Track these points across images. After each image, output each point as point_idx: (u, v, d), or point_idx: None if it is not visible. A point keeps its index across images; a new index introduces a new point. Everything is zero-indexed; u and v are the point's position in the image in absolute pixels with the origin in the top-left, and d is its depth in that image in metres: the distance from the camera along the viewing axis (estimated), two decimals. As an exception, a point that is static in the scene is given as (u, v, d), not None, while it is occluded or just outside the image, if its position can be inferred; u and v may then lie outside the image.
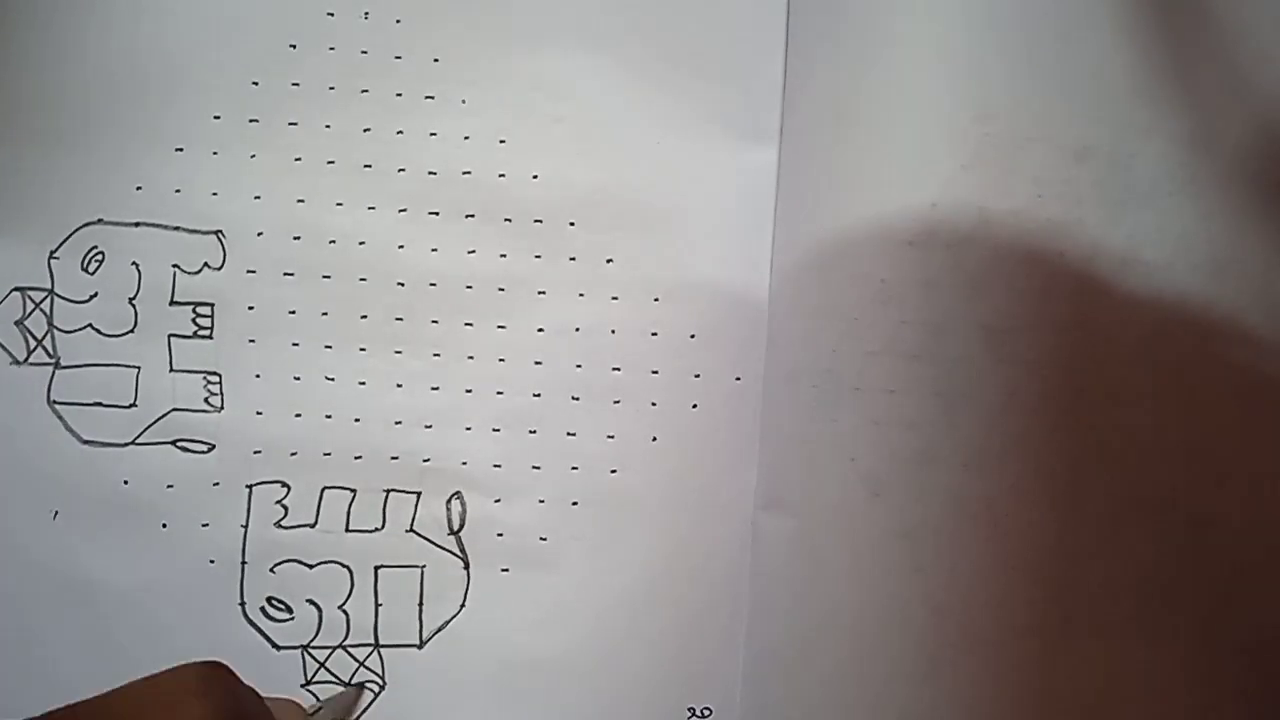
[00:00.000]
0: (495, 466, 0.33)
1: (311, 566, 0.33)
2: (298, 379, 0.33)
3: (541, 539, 0.33)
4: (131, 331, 0.33)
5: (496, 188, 0.34)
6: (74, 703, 0.24)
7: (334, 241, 0.33)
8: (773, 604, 0.32)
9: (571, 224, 0.34)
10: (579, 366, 0.33)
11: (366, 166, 0.33)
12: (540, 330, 0.33)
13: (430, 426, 0.33)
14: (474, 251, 0.34)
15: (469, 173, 0.34)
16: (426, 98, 0.33)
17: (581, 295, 0.34)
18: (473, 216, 0.34)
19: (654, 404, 0.33)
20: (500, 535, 0.33)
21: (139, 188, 0.33)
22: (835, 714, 0.31)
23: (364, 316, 0.33)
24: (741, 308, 0.34)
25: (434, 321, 0.33)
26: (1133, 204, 0.30)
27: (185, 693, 0.25)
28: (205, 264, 0.33)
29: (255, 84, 0.33)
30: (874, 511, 0.30)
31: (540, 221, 0.34)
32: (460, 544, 0.33)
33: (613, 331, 0.33)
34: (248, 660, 0.26)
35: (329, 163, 0.33)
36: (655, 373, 0.33)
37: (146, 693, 0.25)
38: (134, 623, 0.32)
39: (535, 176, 0.34)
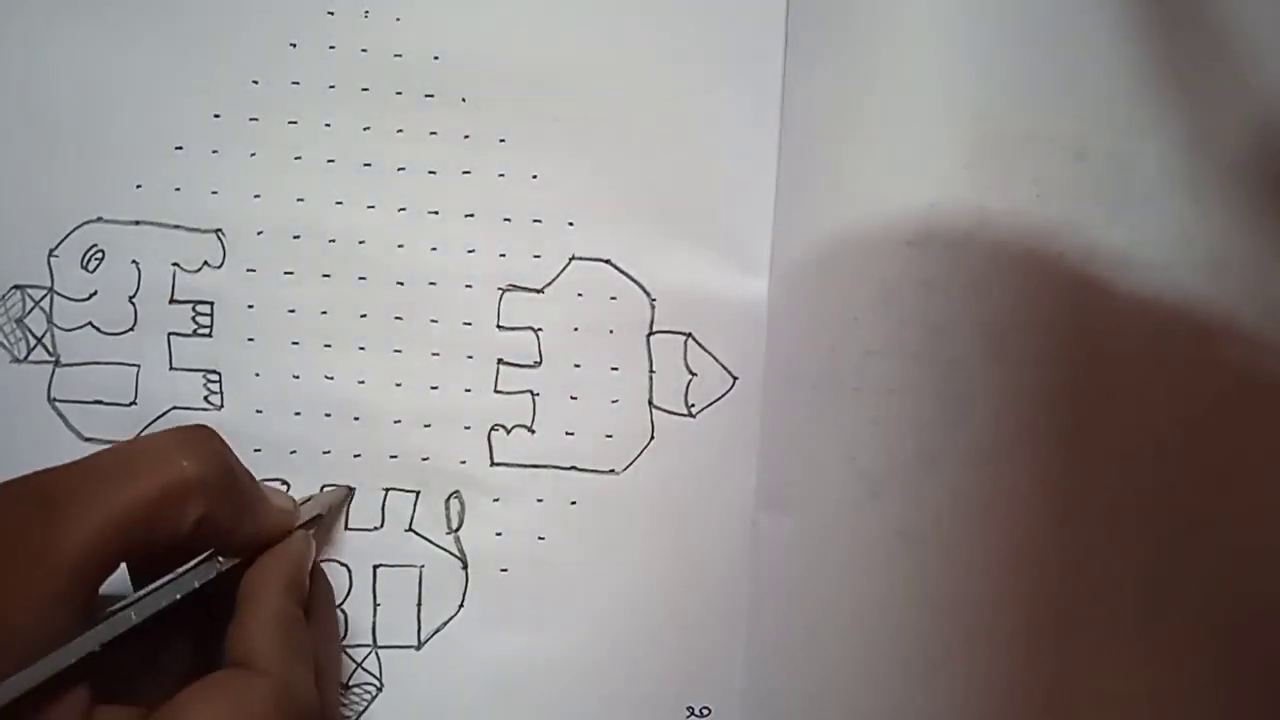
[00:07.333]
0: (494, 465, 0.33)
1: (310, 565, 0.33)
2: (297, 378, 0.33)
3: (540, 539, 0.33)
4: (131, 330, 0.33)
5: (496, 187, 0.34)
6: (63, 464, 0.24)
7: (334, 241, 0.33)
8: (772, 604, 0.32)
9: (570, 224, 0.34)
10: (577, 366, 0.33)
11: (366, 166, 0.33)
12: (539, 330, 0.33)
13: (429, 426, 0.33)
14: (474, 251, 0.34)
15: (468, 172, 0.34)
16: (426, 96, 0.33)
17: (580, 295, 0.34)
18: (472, 216, 0.34)
19: (652, 404, 0.33)
20: (499, 535, 0.33)
21: (139, 186, 0.33)
22: (835, 713, 0.31)
23: (363, 316, 0.33)
24: (740, 308, 0.34)
25: (433, 321, 0.33)
26: (1132, 203, 0.30)
27: (174, 446, 0.25)
28: (205, 262, 0.33)
29: (255, 83, 0.33)
30: (874, 511, 0.30)
31: (539, 221, 0.34)
32: (459, 543, 0.33)
33: (611, 331, 0.33)
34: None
35: (329, 162, 0.33)
36: (654, 373, 0.33)
37: (133, 450, 0.25)
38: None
39: (535, 176, 0.34)
